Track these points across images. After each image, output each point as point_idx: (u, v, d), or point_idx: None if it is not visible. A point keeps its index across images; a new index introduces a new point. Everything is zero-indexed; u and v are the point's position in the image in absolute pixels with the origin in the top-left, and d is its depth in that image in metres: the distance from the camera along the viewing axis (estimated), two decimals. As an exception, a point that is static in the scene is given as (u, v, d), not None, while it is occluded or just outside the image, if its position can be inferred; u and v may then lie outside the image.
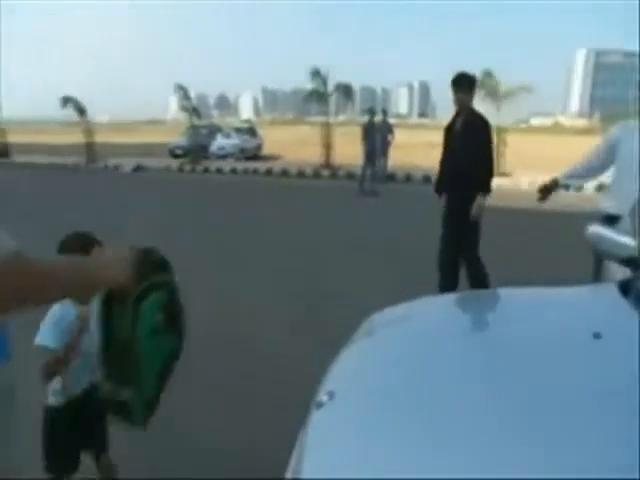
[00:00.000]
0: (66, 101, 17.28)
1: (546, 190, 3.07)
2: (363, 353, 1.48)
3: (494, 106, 12.29)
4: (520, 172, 11.73)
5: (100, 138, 18.57)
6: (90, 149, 17.40)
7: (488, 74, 12.26)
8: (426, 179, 11.68)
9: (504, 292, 1.81)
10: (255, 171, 14.04)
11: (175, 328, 1.08)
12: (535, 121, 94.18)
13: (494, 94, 12.20)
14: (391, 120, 13.08)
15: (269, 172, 13.79)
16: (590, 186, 9.08)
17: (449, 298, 2.09)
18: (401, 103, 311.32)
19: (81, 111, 17.60)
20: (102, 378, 1.07)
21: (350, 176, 12.19)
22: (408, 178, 11.92)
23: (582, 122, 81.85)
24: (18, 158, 18.33)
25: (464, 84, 3.59)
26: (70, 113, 17.89)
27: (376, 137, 10.00)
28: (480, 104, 12.35)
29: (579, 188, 9.57)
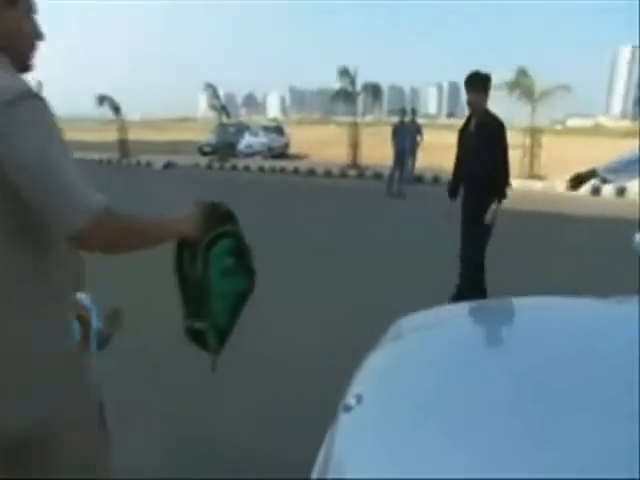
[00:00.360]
0: (102, 100, 17.83)
1: (578, 179, 2.82)
2: (391, 357, 1.47)
3: (529, 106, 11.95)
4: (555, 175, 11.35)
5: (133, 135, 19.09)
6: (123, 146, 17.91)
7: (523, 73, 11.90)
8: None
9: (540, 300, 1.74)
10: (282, 170, 14.12)
11: (244, 270, 1.24)
12: (573, 122, 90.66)
13: (529, 94, 11.83)
14: (419, 120, 12.88)
15: (296, 171, 13.85)
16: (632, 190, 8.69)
17: (478, 304, 2.04)
18: (430, 103, 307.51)
19: (116, 109, 18.12)
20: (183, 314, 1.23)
21: (377, 176, 12.11)
22: (436, 180, 11.70)
23: (625, 124, 77.58)
24: None
25: (477, 84, 3.46)
26: (105, 111, 18.47)
27: (405, 138, 9.86)
28: (514, 104, 12.00)
29: (620, 191, 9.16)
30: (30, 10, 1.07)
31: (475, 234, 3.54)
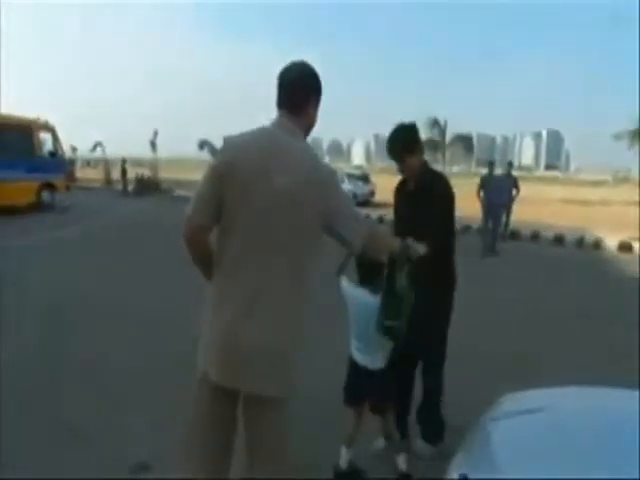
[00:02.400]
0: (203, 144, 19.47)
1: None
2: (496, 438, 1.42)
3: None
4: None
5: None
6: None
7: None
8: (558, 239, 10.62)
9: None
10: (367, 217, 14.02)
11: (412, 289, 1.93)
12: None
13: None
14: (514, 173, 12.14)
15: (381, 220, 13.64)
16: None
17: (591, 391, 1.85)
18: (525, 153, 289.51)
19: (214, 152, 19.59)
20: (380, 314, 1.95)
21: (465, 229, 11.50)
22: (535, 236, 10.84)
23: None
24: (164, 192, 21.43)
25: (397, 146, 2.44)
26: (205, 154, 20.11)
27: (495, 191, 9.23)
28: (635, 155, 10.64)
29: None
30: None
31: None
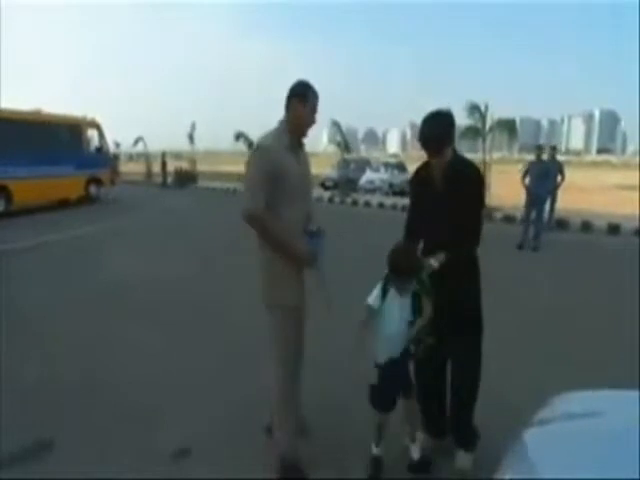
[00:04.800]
0: (239, 136, 19.72)
1: None
2: (545, 441, 1.37)
3: None
4: None
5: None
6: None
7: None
8: (612, 228, 9.85)
9: None
10: (403, 207, 13.83)
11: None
12: None
13: None
14: (560, 158, 11.53)
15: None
16: None
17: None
18: (575, 137, 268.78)
19: (250, 144, 19.87)
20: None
21: (508, 219, 11.12)
22: (586, 226, 10.16)
23: None
24: (202, 183, 22.05)
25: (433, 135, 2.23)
26: (241, 146, 20.37)
27: (540, 178, 8.55)
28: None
29: None
30: (314, 110, 2.33)
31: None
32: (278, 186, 2.17)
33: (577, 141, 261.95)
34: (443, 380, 2.50)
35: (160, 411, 2.94)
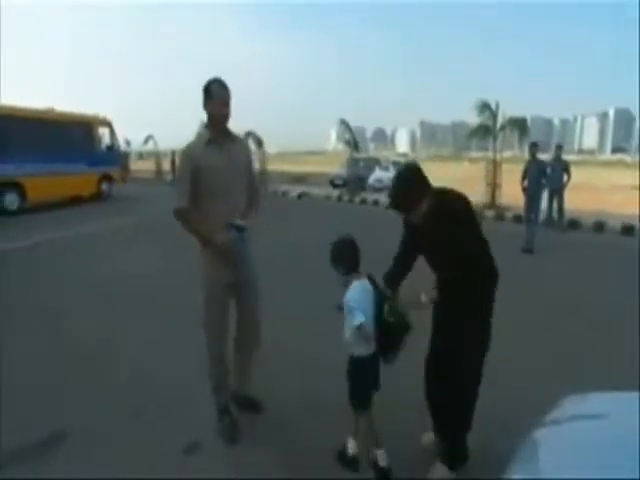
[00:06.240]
0: (248, 135, 19.77)
1: None
2: (558, 444, 1.37)
3: None
4: None
5: (269, 167, 20.75)
6: (263, 176, 19.51)
7: None
8: (626, 229, 9.47)
9: None
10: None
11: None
12: None
13: None
14: (572, 157, 11.36)
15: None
16: None
17: None
18: (588, 136, 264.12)
19: (259, 143, 19.94)
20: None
21: (518, 219, 11.03)
22: (599, 226, 9.87)
23: None
24: None
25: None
26: (250, 144, 20.44)
27: (534, 177, 8.05)
28: None
29: None
30: (223, 103, 2.42)
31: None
32: (199, 180, 2.37)
33: (591, 140, 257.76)
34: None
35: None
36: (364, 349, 2.23)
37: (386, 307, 2.20)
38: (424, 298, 2.19)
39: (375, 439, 2.37)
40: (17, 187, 11.87)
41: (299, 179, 23.31)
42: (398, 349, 2.20)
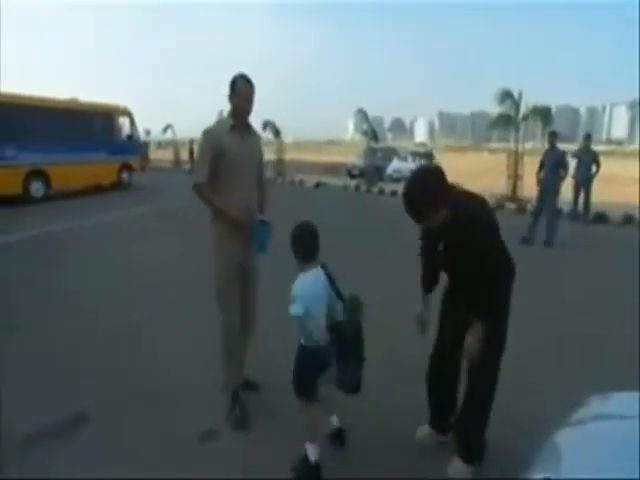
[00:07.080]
0: (266, 124, 19.77)
1: None
2: (584, 444, 1.35)
3: None
4: None
5: (287, 156, 20.75)
6: (280, 166, 19.55)
7: None
8: None
9: None
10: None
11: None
12: None
13: None
14: (600, 147, 10.98)
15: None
16: None
17: None
18: (617, 125, 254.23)
19: (276, 133, 19.93)
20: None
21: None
22: (628, 220, 9.42)
23: None
24: None
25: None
26: (267, 134, 20.44)
27: (553, 167, 7.70)
28: None
29: None
30: (246, 99, 2.61)
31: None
32: (219, 161, 2.53)
33: (620, 130, 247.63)
34: (455, 376, 2.39)
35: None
36: (309, 341, 2.12)
37: (339, 305, 2.10)
38: (418, 308, 2.35)
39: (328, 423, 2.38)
40: (42, 175, 12.14)
41: (329, 169, 22.95)
42: (357, 367, 2.08)
